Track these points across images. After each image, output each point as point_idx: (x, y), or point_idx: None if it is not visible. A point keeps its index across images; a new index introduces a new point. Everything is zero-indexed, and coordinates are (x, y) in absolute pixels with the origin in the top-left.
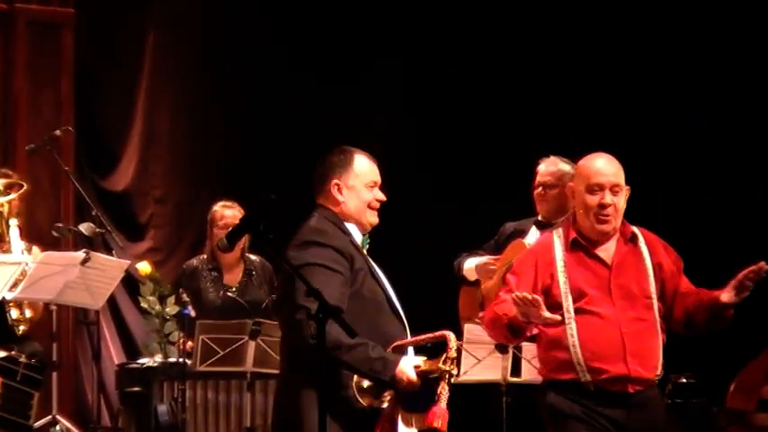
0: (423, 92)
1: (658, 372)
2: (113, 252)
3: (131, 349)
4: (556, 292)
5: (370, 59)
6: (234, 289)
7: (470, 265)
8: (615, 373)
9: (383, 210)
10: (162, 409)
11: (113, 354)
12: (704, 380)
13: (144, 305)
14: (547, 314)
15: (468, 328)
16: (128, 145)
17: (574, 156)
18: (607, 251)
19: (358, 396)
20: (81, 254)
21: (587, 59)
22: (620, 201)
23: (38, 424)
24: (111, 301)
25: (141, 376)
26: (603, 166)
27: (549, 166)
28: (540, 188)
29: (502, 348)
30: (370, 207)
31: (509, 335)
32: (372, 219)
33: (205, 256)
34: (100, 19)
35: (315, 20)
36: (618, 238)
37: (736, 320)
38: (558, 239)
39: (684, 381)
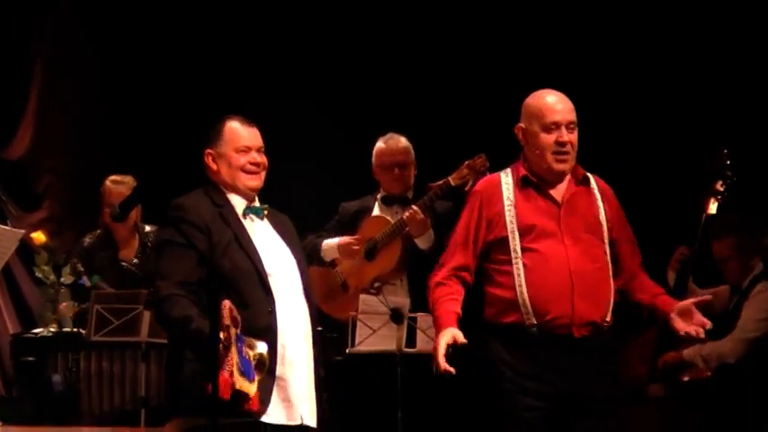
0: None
1: (608, 318)
2: (8, 221)
3: (26, 319)
4: (502, 230)
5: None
6: (132, 263)
7: (330, 244)
8: (560, 315)
9: None
10: (56, 378)
11: (8, 323)
12: None
13: (39, 275)
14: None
15: (363, 299)
16: (24, 114)
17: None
18: (558, 190)
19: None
20: None
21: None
22: (575, 138)
23: None
24: (6, 271)
25: (36, 346)
26: (557, 102)
27: (397, 144)
28: (396, 168)
29: (397, 319)
30: (244, 171)
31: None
32: (251, 182)
33: (99, 232)
34: None
35: None
36: (569, 178)
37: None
38: (504, 178)
39: None
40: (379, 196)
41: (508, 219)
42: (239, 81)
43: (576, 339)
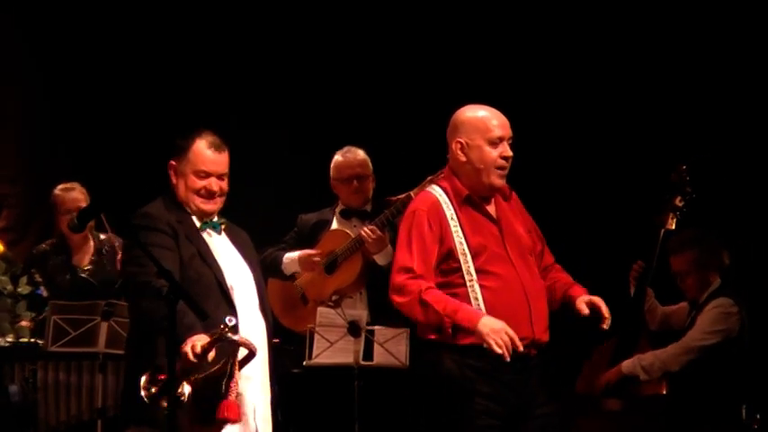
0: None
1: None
2: None
3: None
4: (453, 252)
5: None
6: (85, 270)
7: (291, 257)
8: (523, 337)
9: None
10: (13, 389)
11: None
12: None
13: None
14: None
15: (321, 312)
16: None
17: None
18: (492, 207)
19: None
20: None
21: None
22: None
23: None
24: None
25: None
26: (499, 117)
27: (355, 157)
28: (355, 181)
29: (354, 332)
30: (198, 195)
31: (446, 331)
32: (204, 206)
33: (53, 240)
34: None
35: None
36: (496, 194)
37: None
38: (442, 197)
39: None
40: (337, 209)
41: (457, 240)
42: (193, 87)
43: (531, 358)
